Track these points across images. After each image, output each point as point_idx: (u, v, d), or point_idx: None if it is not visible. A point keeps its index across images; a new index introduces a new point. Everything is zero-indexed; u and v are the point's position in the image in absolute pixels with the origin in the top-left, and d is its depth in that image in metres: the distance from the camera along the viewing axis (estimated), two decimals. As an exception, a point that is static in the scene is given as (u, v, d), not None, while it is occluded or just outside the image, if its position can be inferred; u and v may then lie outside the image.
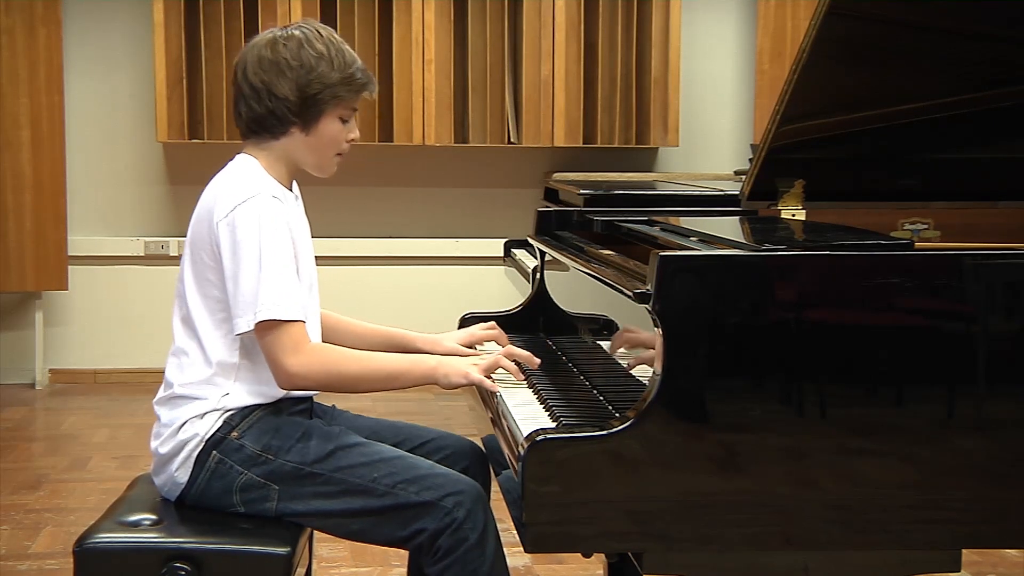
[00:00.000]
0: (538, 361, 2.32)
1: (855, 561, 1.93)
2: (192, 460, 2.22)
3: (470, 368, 2.26)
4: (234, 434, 2.21)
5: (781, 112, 2.30)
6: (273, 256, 2.16)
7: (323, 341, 2.34)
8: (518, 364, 2.31)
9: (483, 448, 2.42)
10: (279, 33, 2.27)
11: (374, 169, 6.01)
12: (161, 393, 2.29)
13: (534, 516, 1.82)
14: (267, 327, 2.16)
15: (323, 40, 2.25)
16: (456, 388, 2.29)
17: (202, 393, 2.23)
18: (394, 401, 5.41)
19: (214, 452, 2.21)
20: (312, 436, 2.23)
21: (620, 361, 2.46)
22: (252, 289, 2.15)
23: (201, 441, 2.22)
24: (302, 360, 2.17)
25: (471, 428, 4.61)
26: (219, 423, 2.22)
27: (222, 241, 2.18)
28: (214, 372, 2.23)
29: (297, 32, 2.26)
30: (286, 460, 2.20)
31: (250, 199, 2.18)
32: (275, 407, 2.26)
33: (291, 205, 2.30)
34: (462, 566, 2.11)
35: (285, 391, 2.26)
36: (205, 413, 2.22)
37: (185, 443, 2.22)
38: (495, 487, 2.31)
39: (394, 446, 2.31)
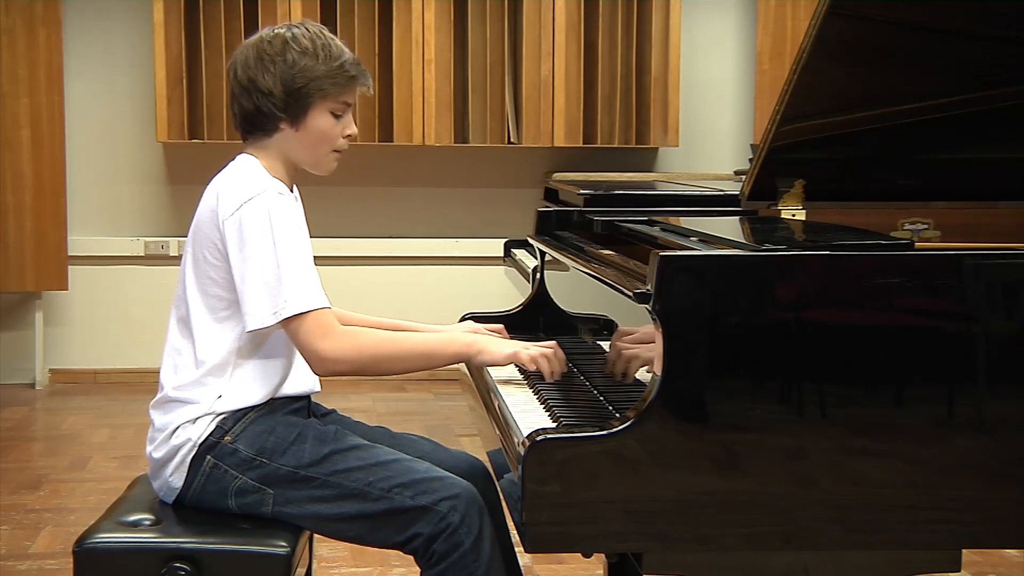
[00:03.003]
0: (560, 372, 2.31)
1: (855, 561, 1.93)
2: (186, 465, 2.22)
3: (516, 350, 2.26)
4: (227, 438, 2.21)
5: (781, 112, 2.30)
6: (287, 249, 2.16)
7: None
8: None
9: (487, 465, 2.40)
10: (267, 32, 2.28)
11: (374, 169, 6.01)
12: (155, 396, 2.29)
13: (534, 516, 1.82)
14: (295, 320, 2.15)
15: (310, 36, 2.25)
16: (491, 366, 2.28)
17: (194, 396, 2.23)
18: (394, 401, 5.41)
19: (208, 457, 2.21)
20: (307, 438, 2.23)
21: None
22: (269, 285, 2.14)
23: (195, 446, 2.21)
24: (334, 344, 2.16)
25: (471, 428, 4.62)
26: (212, 427, 2.22)
27: (229, 238, 2.18)
28: (206, 372, 2.22)
29: (283, 30, 2.27)
30: (281, 464, 2.20)
31: (257, 196, 2.18)
32: (269, 408, 2.25)
33: (296, 204, 2.30)
34: (457, 571, 2.10)
35: (275, 392, 2.26)
36: (197, 418, 2.22)
37: (179, 448, 2.22)
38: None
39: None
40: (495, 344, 2.29)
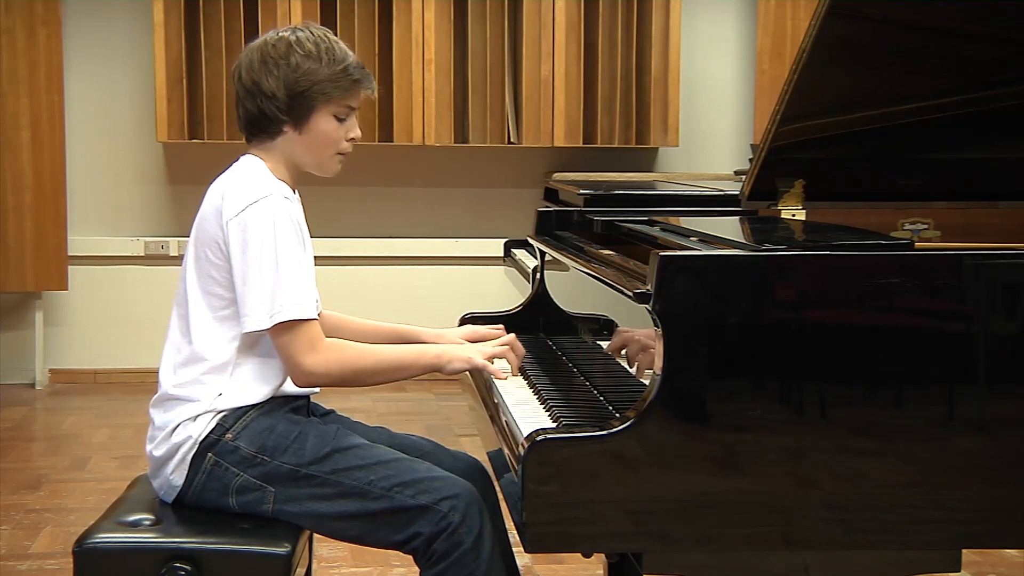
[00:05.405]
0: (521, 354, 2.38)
1: (855, 561, 1.94)
2: (187, 463, 2.22)
3: (473, 353, 2.31)
4: (228, 436, 2.21)
5: (781, 112, 2.30)
6: (288, 256, 2.17)
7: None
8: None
9: (486, 466, 2.40)
10: (271, 35, 2.29)
11: (374, 169, 6.01)
12: (155, 395, 2.29)
13: (534, 516, 1.82)
14: (285, 327, 2.16)
15: (314, 40, 2.27)
16: (459, 374, 2.30)
17: (194, 394, 2.23)
18: (393, 401, 5.41)
19: (209, 454, 2.21)
20: (308, 436, 2.23)
21: (620, 361, 2.46)
22: (268, 289, 2.15)
23: (195, 444, 2.21)
24: (320, 358, 2.18)
25: (471, 428, 4.62)
26: (212, 424, 2.22)
27: (232, 239, 2.19)
28: (206, 371, 2.23)
29: (288, 33, 2.28)
30: (282, 462, 2.20)
31: (263, 199, 2.19)
32: (269, 406, 2.26)
33: (297, 206, 2.30)
34: (457, 570, 2.10)
35: (276, 391, 2.26)
36: (198, 415, 2.22)
37: (179, 446, 2.22)
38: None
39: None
40: (459, 350, 2.34)
